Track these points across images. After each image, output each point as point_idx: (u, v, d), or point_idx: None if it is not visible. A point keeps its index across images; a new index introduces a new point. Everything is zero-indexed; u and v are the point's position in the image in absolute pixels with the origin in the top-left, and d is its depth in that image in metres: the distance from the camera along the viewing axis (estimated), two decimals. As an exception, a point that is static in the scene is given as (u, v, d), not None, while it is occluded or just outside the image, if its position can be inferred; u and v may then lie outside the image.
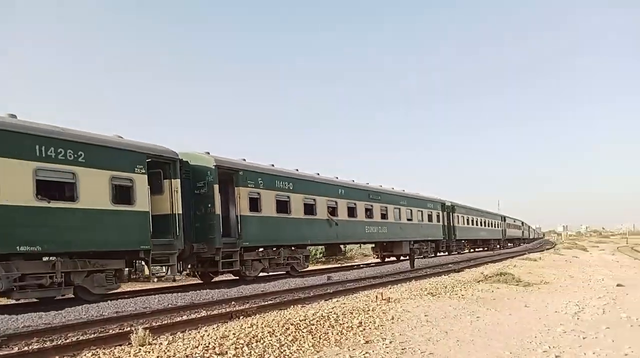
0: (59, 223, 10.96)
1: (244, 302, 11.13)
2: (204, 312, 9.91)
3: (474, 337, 7.45)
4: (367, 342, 6.98)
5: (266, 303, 10.64)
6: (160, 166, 13.88)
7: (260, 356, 6.03)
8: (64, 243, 11.07)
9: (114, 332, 7.74)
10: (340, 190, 22.19)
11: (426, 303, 10.16)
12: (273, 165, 18.75)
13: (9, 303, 14.10)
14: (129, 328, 7.66)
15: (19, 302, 12.32)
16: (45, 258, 11.18)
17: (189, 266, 15.86)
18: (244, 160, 17.20)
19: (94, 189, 11.67)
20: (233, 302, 11.09)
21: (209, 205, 15.23)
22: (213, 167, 15.32)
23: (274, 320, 7.97)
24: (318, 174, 21.39)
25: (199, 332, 7.31)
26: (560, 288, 14.13)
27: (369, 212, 24.28)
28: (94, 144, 11.87)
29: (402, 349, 6.61)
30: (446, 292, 12.05)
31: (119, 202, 12.39)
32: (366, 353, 6.37)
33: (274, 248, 18.08)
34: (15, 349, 6.70)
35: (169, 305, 10.91)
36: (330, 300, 10.98)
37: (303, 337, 7.07)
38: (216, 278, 17.53)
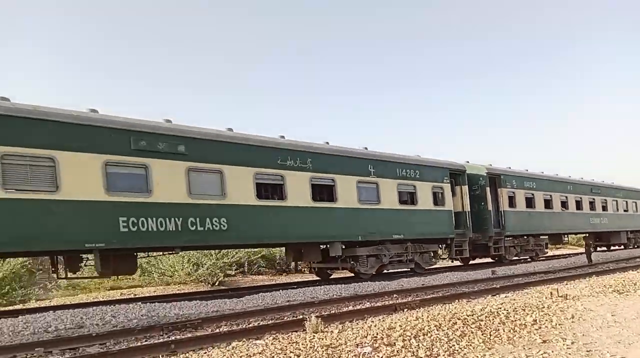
0: (409, 219, 16.20)
1: (405, 295, 11.16)
2: (368, 303, 10.18)
3: (677, 342, 6.45)
4: (544, 342, 6.49)
5: (429, 296, 10.54)
6: (453, 176, 18.60)
7: (428, 349, 5.99)
8: (412, 232, 16.30)
9: (288, 318, 8.37)
10: (569, 186, 25.50)
11: (612, 302, 9.07)
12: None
13: (198, 290, 16.12)
14: (301, 316, 8.22)
15: (211, 288, 14.40)
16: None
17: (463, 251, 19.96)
18: (490, 164, 21.04)
19: (425, 196, 16.93)
20: (395, 295, 11.19)
21: (482, 203, 19.56)
22: (485, 174, 19.79)
23: (439, 314, 7.84)
24: (552, 174, 24.97)
25: (365, 323, 7.53)
26: None
27: (591, 205, 27.03)
28: (424, 164, 17.27)
29: (587, 351, 6.01)
30: (636, 290, 10.62)
31: (436, 203, 17.43)
32: (544, 353, 5.92)
33: (524, 237, 21.98)
34: (209, 330, 7.63)
35: (334, 296, 11.42)
36: (497, 296, 10.44)
37: (472, 332, 6.84)
38: (472, 262, 21.94)
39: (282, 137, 13.75)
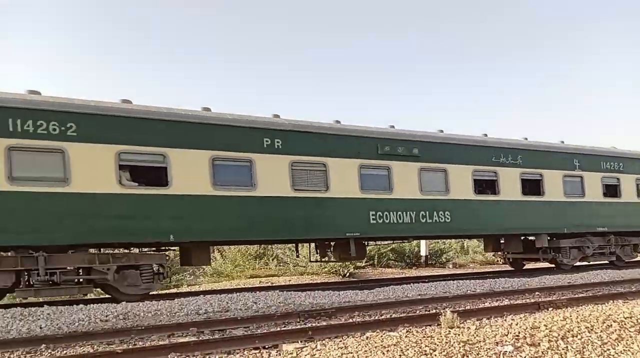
0: (612, 211, 16.41)
1: (549, 293, 10.37)
2: (506, 300, 9.64)
3: None
4: None
5: (577, 296, 9.67)
6: None
7: (578, 352, 5.49)
8: (615, 225, 16.43)
9: (420, 312, 8.25)
10: None
11: None
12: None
13: (329, 280, 16.60)
14: (434, 311, 8.05)
15: (342, 280, 14.87)
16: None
17: None
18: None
19: (628, 188, 16.93)
20: (537, 293, 10.45)
21: None
22: None
23: (590, 314, 7.15)
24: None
25: (505, 320, 7.13)
26: None
27: None
28: (627, 157, 17.22)
29: None
30: None
31: None
32: None
33: None
34: (343, 320, 7.82)
35: (468, 291, 10.99)
36: (661, 297, 9.22)
37: (631, 336, 6.13)
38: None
39: (485, 135, 14.80)
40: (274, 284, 15.73)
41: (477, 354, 5.37)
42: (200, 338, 6.64)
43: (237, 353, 5.82)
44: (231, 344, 5.95)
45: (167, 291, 15.36)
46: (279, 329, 7.04)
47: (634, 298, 9.21)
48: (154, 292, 11.42)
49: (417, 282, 12.81)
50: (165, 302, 9.46)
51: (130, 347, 6.29)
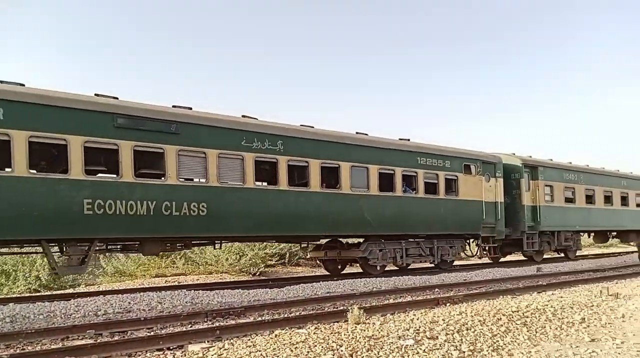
0: None
1: (447, 290, 11.02)
2: (409, 297, 10.10)
3: None
4: (592, 340, 6.28)
5: (472, 292, 10.37)
6: None
7: (471, 344, 5.89)
8: None
9: (329, 309, 8.41)
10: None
11: (667, 303, 8.68)
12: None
13: (239, 279, 16.37)
14: (342, 307, 8.24)
15: (252, 278, 14.55)
16: None
17: None
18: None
19: None
20: (436, 289, 11.06)
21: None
22: None
23: (483, 309, 7.71)
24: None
25: (407, 316, 7.48)
26: None
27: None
28: None
29: (638, 351, 5.77)
30: (693, 291, 10.12)
31: None
32: (592, 352, 5.73)
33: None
34: (252, 318, 7.76)
35: (374, 289, 11.38)
36: (544, 293, 10.16)
37: (517, 328, 6.69)
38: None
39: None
40: (180, 283, 15.22)
41: (381, 348, 5.58)
42: (98, 340, 6.27)
43: (139, 355, 5.57)
44: (132, 346, 5.68)
45: (62, 292, 14.31)
46: (184, 329, 6.84)
47: (521, 293, 10.06)
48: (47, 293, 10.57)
49: (326, 280, 13.01)
50: (59, 303, 8.83)
51: (18, 351, 5.78)
